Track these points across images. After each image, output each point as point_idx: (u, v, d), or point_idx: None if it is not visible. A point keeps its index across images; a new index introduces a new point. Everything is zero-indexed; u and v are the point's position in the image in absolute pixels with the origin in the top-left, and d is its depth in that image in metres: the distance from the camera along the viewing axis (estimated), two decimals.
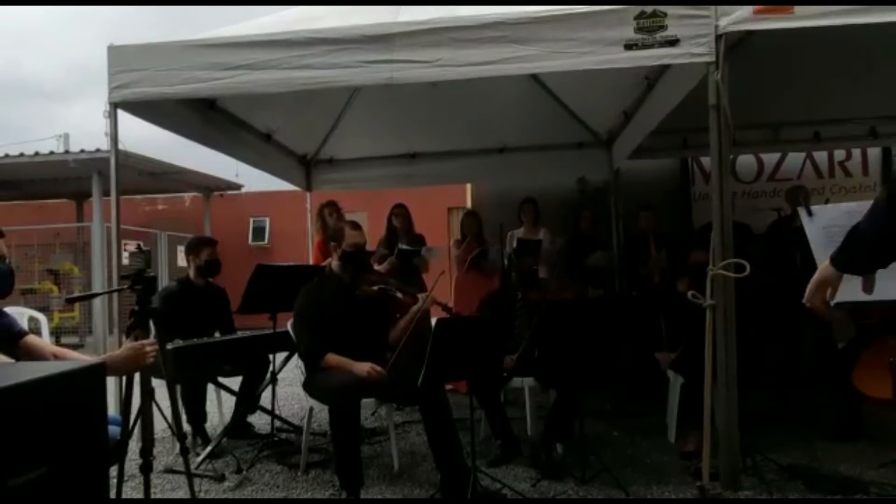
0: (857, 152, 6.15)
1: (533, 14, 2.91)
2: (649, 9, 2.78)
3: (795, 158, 6.21)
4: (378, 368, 3.08)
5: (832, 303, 1.43)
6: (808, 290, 1.44)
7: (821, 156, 6.19)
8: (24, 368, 1.75)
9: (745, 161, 6.17)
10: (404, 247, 5.03)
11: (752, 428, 3.04)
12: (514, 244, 5.19)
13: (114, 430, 2.27)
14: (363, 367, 3.07)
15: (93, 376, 1.58)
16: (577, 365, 3.35)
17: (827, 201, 5.39)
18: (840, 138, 5.55)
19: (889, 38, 3.52)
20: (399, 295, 3.45)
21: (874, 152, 6.13)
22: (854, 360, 3.40)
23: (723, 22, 2.76)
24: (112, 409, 2.49)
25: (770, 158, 6.23)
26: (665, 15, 2.78)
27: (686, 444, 3.44)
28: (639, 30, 2.79)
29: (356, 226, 3.43)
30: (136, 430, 2.40)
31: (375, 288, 3.44)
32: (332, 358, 3.16)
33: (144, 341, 2.28)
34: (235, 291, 4.00)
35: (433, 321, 2.91)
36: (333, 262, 3.46)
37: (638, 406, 4.42)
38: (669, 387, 3.85)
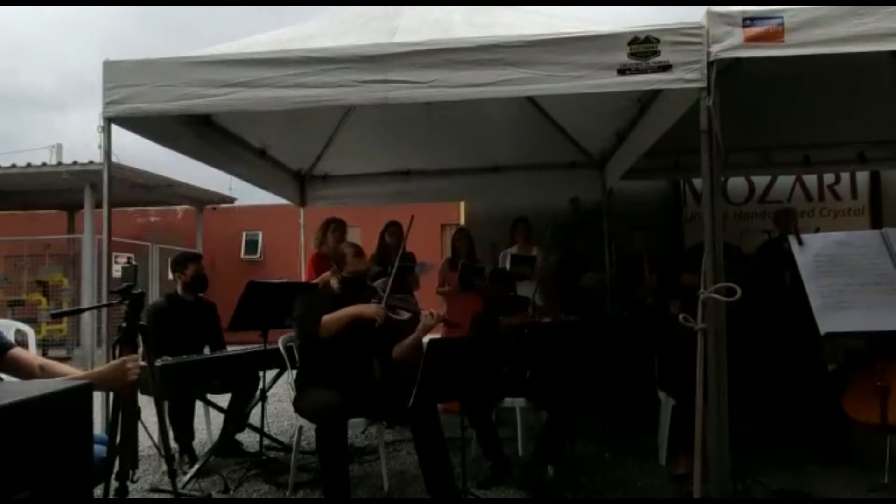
0: (845, 176, 6.22)
1: (528, 38, 2.94)
2: (643, 35, 2.82)
3: (785, 181, 6.27)
4: (381, 307, 3.12)
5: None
6: None
7: (810, 179, 6.26)
8: (9, 389, 1.73)
9: (736, 183, 6.23)
10: (400, 265, 5.01)
11: (742, 451, 3.03)
12: (508, 262, 5.22)
13: (99, 448, 2.24)
14: (369, 308, 3.09)
15: (79, 397, 1.56)
16: (569, 386, 3.34)
17: (818, 229, 5.44)
18: (829, 162, 5.62)
19: (878, 65, 3.59)
20: (401, 315, 3.41)
21: (862, 176, 6.21)
22: (844, 384, 3.40)
23: (714, 49, 2.80)
24: (98, 427, 2.47)
25: (760, 181, 6.29)
26: (658, 41, 2.81)
27: (677, 468, 3.43)
28: (632, 55, 2.82)
29: (359, 252, 3.40)
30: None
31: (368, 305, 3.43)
32: (329, 317, 3.07)
33: (126, 358, 2.26)
34: (227, 305, 3.97)
35: (426, 340, 2.90)
36: (333, 280, 3.46)
37: (630, 427, 4.41)
38: (661, 409, 3.85)
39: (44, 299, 10.25)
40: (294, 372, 3.54)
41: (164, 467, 2.70)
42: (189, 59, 3.19)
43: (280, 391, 5.10)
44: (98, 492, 2.25)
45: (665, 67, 2.82)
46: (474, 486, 3.30)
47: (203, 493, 3.32)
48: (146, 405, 2.51)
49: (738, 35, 2.78)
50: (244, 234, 14.56)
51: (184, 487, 3.37)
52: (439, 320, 3.29)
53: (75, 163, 8.86)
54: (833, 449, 3.64)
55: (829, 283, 1.48)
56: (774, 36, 2.74)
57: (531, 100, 4.93)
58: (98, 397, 2.92)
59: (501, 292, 4.17)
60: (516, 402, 3.73)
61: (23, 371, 2.15)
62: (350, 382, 3.11)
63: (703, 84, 2.82)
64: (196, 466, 3.63)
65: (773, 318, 4.18)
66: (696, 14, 2.91)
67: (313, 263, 5.35)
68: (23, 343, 3.75)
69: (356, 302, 3.39)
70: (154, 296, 9.94)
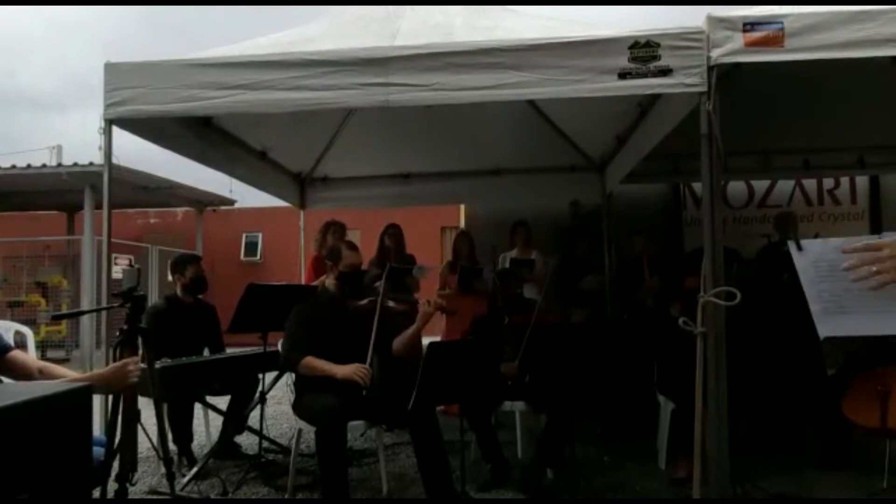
0: (845, 181, 6.23)
1: (528, 41, 2.95)
2: (643, 39, 2.82)
3: (785, 185, 6.28)
4: (364, 368, 3.03)
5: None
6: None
7: (810, 183, 6.27)
8: (8, 391, 1.73)
9: (736, 187, 6.24)
10: (395, 265, 5.03)
11: (741, 455, 3.03)
12: (507, 265, 5.22)
13: (98, 451, 2.24)
14: (346, 370, 3.02)
15: (79, 399, 1.56)
16: (568, 389, 3.34)
17: (816, 235, 5.45)
18: (829, 167, 5.63)
19: (878, 70, 3.60)
20: (391, 304, 3.45)
21: (862, 181, 6.22)
22: (843, 387, 3.40)
23: (715, 53, 2.80)
24: (97, 428, 2.47)
25: (760, 185, 6.30)
26: (658, 45, 2.82)
27: (677, 471, 3.43)
28: (633, 59, 2.83)
29: (353, 246, 3.44)
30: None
31: (365, 301, 3.43)
32: (311, 360, 3.10)
33: (128, 360, 2.26)
34: (226, 307, 3.97)
35: (425, 343, 2.90)
36: (328, 280, 3.46)
37: (629, 431, 4.40)
38: (660, 412, 3.84)
39: (43, 300, 10.25)
40: (293, 374, 3.53)
41: (163, 470, 2.70)
42: (190, 62, 3.20)
43: (279, 393, 5.10)
44: (96, 494, 2.25)
45: (665, 72, 2.83)
46: (473, 489, 3.29)
47: (201, 495, 3.32)
48: (145, 407, 2.51)
49: (739, 40, 2.79)
50: (244, 236, 14.57)
51: (182, 490, 3.36)
52: (437, 307, 3.31)
53: (75, 164, 8.87)
54: (833, 453, 3.64)
55: (828, 288, 1.48)
56: (774, 41, 2.75)
57: (532, 103, 4.94)
58: (97, 399, 2.91)
59: (509, 290, 4.16)
60: (516, 406, 3.73)
61: (21, 374, 2.14)
62: (349, 385, 3.10)
63: (704, 88, 2.82)
64: (195, 469, 3.63)
65: (773, 321, 4.19)
66: (698, 15, 2.92)
67: (313, 266, 5.36)
68: (21, 344, 3.76)
69: (354, 299, 3.39)
70: (153, 298, 9.94)
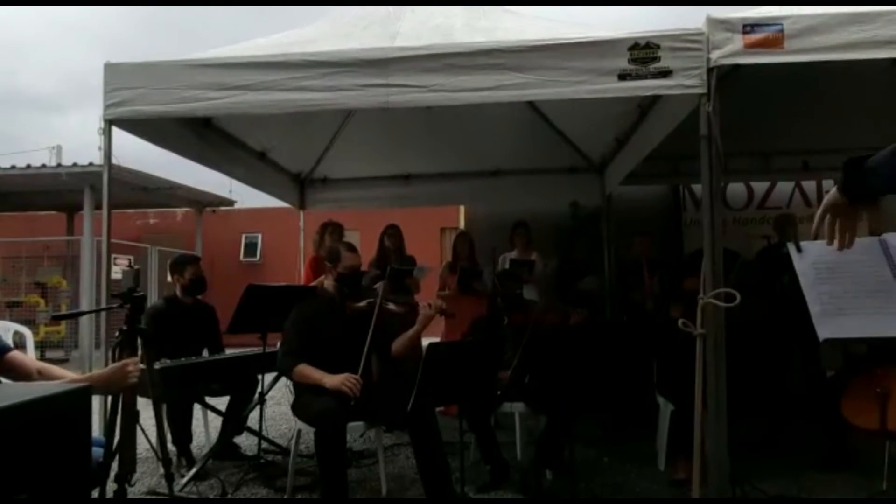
0: None
1: (528, 43, 2.95)
2: (643, 40, 2.83)
3: (785, 187, 6.28)
4: (353, 378, 3.00)
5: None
6: (815, 221, 1.34)
7: (809, 185, 6.27)
8: (7, 392, 1.72)
9: (735, 188, 6.24)
10: (395, 266, 5.03)
11: (740, 456, 3.03)
12: (507, 266, 5.23)
13: (97, 451, 2.24)
14: (335, 380, 3.00)
15: (78, 400, 1.56)
16: (568, 390, 3.33)
17: (816, 236, 5.45)
18: (828, 168, 5.61)
19: (877, 72, 3.61)
20: (391, 307, 3.45)
21: None
22: (842, 389, 3.40)
23: (714, 55, 2.81)
24: (96, 429, 2.47)
25: (760, 186, 6.31)
26: (658, 47, 2.83)
27: (676, 473, 3.43)
28: (632, 61, 2.84)
29: (352, 248, 3.43)
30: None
31: (364, 303, 3.43)
32: (303, 368, 3.11)
33: (127, 360, 2.26)
34: (226, 307, 3.97)
35: (425, 344, 2.90)
36: (327, 282, 3.46)
37: (628, 432, 4.40)
38: (659, 413, 3.84)
39: (42, 301, 10.24)
40: None
41: (162, 470, 2.70)
42: (190, 62, 3.20)
43: (278, 394, 5.09)
44: (95, 494, 2.25)
45: (665, 73, 2.84)
46: (473, 490, 3.29)
47: (200, 496, 3.31)
48: (144, 408, 2.51)
49: (738, 41, 2.79)
50: (243, 237, 14.57)
51: (181, 491, 3.36)
52: (437, 310, 3.30)
53: (75, 164, 8.86)
54: (832, 455, 3.63)
55: (828, 290, 1.49)
56: (774, 43, 2.75)
57: (531, 104, 4.95)
58: (96, 400, 2.91)
59: (508, 291, 4.17)
60: (515, 407, 3.73)
61: (20, 375, 2.14)
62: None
63: (703, 90, 2.83)
64: (194, 470, 3.62)
65: (772, 323, 4.19)
66: (698, 16, 2.92)
67: (311, 266, 5.36)
68: (20, 345, 3.76)
69: (352, 301, 3.39)
70: (152, 298, 9.92)
